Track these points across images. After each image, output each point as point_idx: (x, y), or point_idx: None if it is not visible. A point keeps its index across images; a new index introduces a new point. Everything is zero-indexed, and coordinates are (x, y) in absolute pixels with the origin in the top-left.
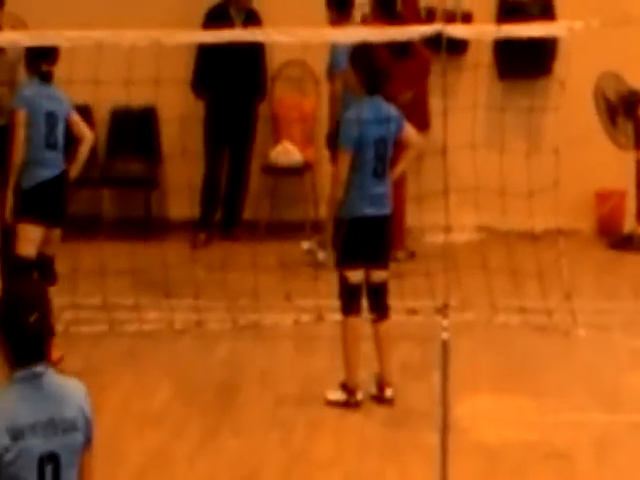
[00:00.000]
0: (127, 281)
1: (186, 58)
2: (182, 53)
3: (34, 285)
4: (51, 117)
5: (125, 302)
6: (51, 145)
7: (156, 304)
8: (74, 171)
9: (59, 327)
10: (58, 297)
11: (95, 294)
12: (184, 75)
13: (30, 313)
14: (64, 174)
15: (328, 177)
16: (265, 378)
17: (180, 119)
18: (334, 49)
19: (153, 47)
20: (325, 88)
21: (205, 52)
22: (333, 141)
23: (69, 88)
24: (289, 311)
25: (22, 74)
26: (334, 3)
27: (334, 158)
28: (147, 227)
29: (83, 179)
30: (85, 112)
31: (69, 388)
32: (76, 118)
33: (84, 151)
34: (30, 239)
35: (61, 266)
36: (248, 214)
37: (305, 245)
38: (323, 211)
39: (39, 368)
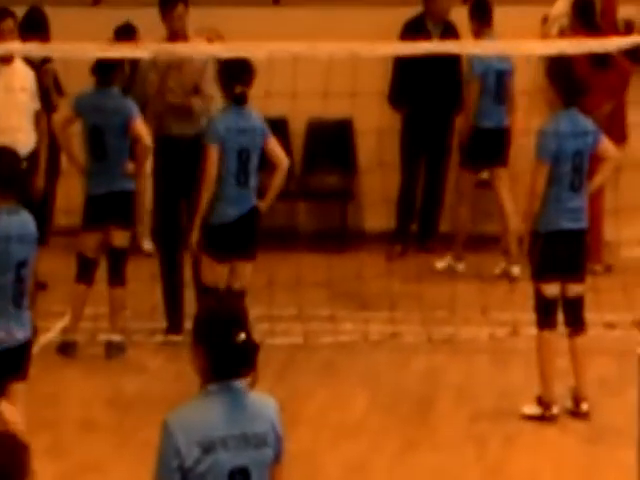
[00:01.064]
0: (323, 293)
1: (383, 70)
2: (379, 65)
3: (236, 301)
4: (243, 153)
5: (321, 313)
6: (241, 182)
7: (352, 316)
8: (267, 201)
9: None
10: (254, 308)
11: (291, 305)
12: (381, 87)
13: (237, 330)
14: (254, 210)
15: (524, 190)
16: (461, 392)
17: (376, 131)
18: (471, 55)
19: (350, 59)
20: (521, 100)
21: (402, 64)
22: (464, 149)
23: (266, 101)
24: (485, 324)
25: (208, 82)
26: (474, 14)
27: (463, 164)
28: (343, 239)
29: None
30: (281, 124)
31: (261, 403)
32: (273, 144)
33: (279, 180)
34: (214, 274)
35: (257, 278)
36: (444, 226)
37: (440, 264)
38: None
39: (236, 383)
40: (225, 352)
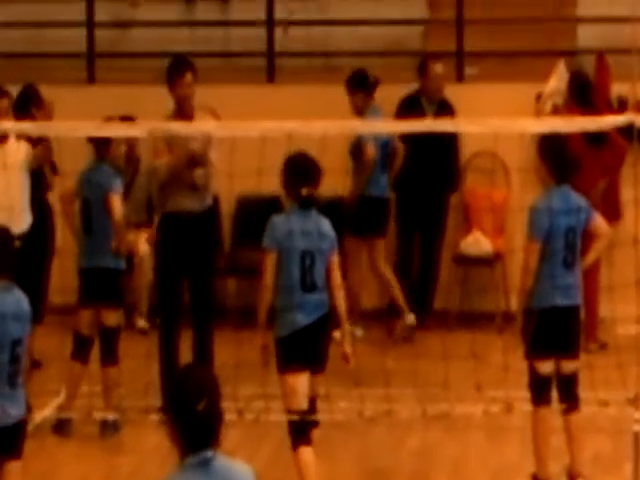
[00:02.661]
0: None
1: None
2: None
3: (203, 372)
4: (307, 257)
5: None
6: (308, 288)
7: (346, 393)
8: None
9: (249, 416)
10: (248, 386)
11: None
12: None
13: (200, 400)
14: (325, 318)
15: (519, 267)
16: (456, 468)
17: None
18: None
19: (344, 137)
20: (515, 179)
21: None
22: (351, 217)
23: (259, 180)
24: (479, 401)
25: (212, 151)
26: (358, 86)
27: (349, 232)
28: (334, 317)
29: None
30: (275, 203)
31: (237, 470)
32: (335, 263)
33: (341, 303)
34: (298, 391)
35: (252, 355)
36: (439, 303)
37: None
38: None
39: (209, 453)
40: (189, 423)
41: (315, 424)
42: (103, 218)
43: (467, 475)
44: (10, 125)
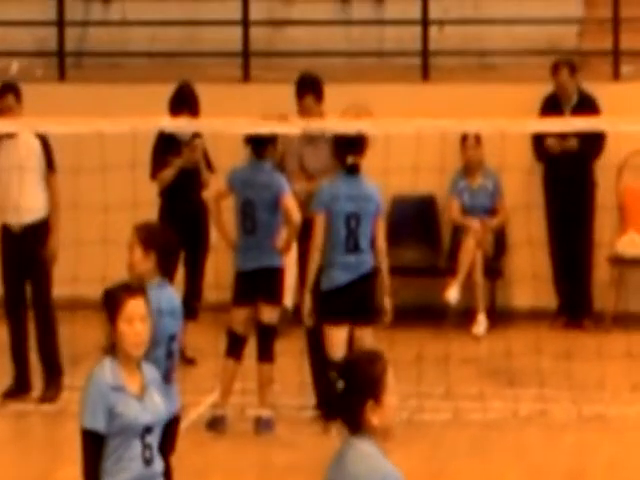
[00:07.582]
0: (471, 370)
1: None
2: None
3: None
4: (352, 219)
5: (469, 391)
6: (351, 249)
7: (500, 393)
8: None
9: (403, 414)
10: (401, 385)
11: (440, 383)
12: (528, 163)
13: (336, 376)
14: (368, 275)
15: None
16: (612, 470)
17: (525, 208)
18: None
19: (498, 135)
20: None
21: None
22: None
23: (415, 177)
24: (636, 403)
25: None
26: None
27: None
28: (491, 316)
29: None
30: (429, 202)
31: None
32: (380, 226)
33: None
34: (334, 342)
35: (406, 354)
36: (594, 304)
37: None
38: None
39: (354, 439)
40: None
41: None
42: (269, 218)
43: (624, 477)
44: (166, 122)
